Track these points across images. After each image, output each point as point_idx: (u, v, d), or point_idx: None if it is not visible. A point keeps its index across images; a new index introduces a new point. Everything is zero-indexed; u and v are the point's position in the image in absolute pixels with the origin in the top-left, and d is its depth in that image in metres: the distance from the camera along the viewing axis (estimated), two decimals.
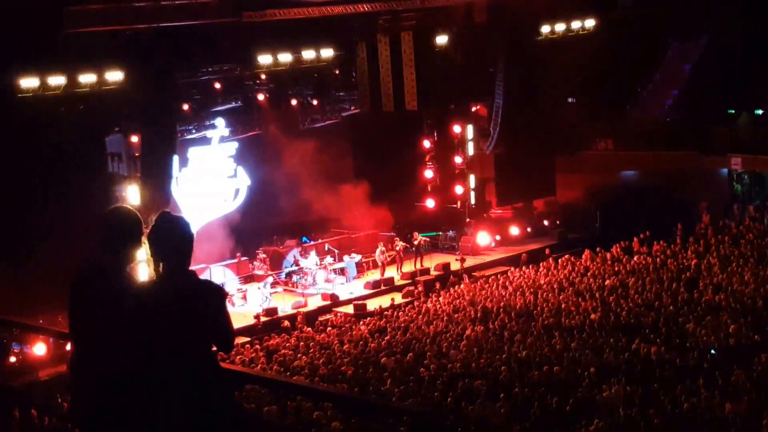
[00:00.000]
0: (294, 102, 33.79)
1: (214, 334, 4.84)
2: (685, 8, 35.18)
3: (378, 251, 31.48)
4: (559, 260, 29.93)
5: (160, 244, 4.81)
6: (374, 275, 31.31)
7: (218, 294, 4.94)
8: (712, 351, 19.10)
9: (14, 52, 24.31)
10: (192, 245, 4.91)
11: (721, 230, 30.48)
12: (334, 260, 31.76)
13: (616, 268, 27.58)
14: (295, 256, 31.64)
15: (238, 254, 31.68)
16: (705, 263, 26.42)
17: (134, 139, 28.58)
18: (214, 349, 4.93)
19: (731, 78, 33.50)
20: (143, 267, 5.01)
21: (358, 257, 31.72)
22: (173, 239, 4.83)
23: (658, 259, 27.86)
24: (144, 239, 4.93)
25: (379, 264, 31.34)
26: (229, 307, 24.90)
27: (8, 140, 24.83)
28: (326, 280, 30.56)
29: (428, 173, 35.67)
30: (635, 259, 28.39)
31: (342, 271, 31.53)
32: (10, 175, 24.78)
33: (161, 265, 4.82)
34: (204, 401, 4.72)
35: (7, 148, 24.83)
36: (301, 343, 23.37)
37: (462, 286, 29.11)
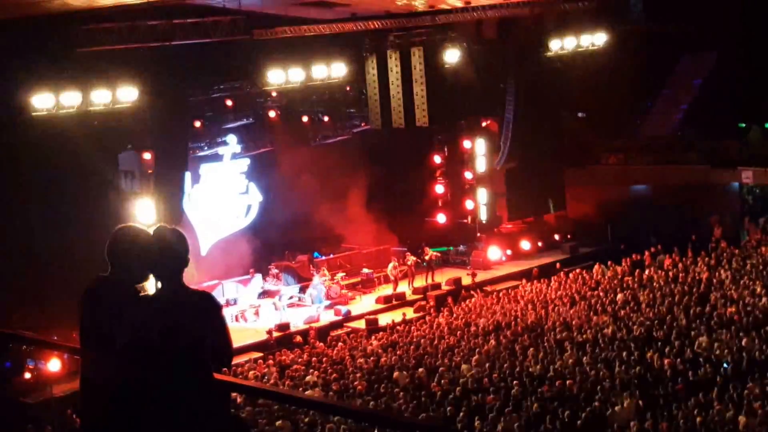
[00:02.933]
0: (305, 118, 33.95)
1: (209, 347, 4.85)
2: (695, 23, 35.20)
3: (390, 266, 31.58)
4: (570, 274, 29.92)
5: (154, 258, 4.86)
6: (386, 290, 31.37)
7: (214, 306, 4.94)
8: (725, 364, 19.06)
9: (29, 70, 24.54)
10: (186, 259, 4.91)
11: (733, 243, 30.42)
12: (346, 275, 31.87)
13: (628, 282, 27.56)
14: (312, 273, 31.63)
15: (251, 270, 31.79)
16: (717, 277, 26.37)
17: (147, 156, 28.77)
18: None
19: (741, 92, 33.48)
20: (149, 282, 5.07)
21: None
22: (165, 254, 4.86)
23: (669, 272, 27.81)
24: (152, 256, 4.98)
25: (392, 279, 31.40)
26: (242, 323, 25.01)
27: (23, 158, 25.05)
28: (338, 295, 30.63)
29: (439, 188, 35.76)
30: (646, 272, 28.36)
31: (354, 286, 31.64)
32: (25, 191, 24.97)
33: (156, 279, 4.87)
34: (197, 417, 4.75)
35: (21, 165, 25.05)
36: (314, 359, 23.42)
37: (473, 300, 29.14)
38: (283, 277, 31.69)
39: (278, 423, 16.92)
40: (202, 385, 4.76)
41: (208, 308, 4.86)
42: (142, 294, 4.93)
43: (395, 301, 30.48)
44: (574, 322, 23.76)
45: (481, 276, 32.46)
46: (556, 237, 36.33)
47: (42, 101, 25.06)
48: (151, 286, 4.93)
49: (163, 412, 4.73)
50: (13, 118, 24.91)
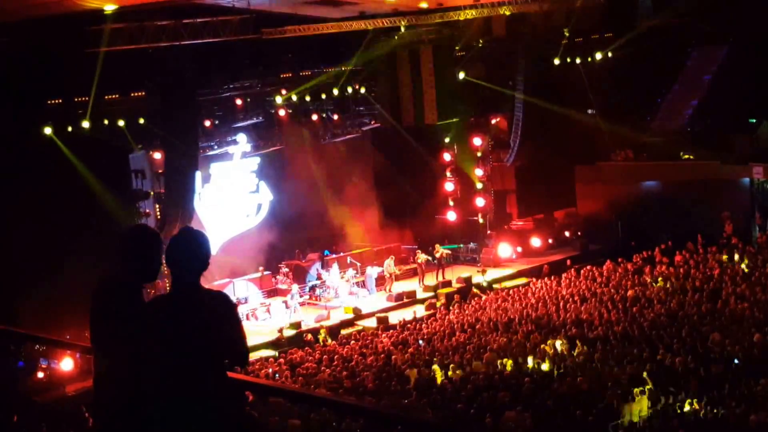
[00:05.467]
0: (315, 117, 34.00)
1: (224, 347, 4.87)
2: (705, 18, 35.08)
3: (386, 263, 31.63)
4: (581, 271, 29.87)
5: (176, 257, 4.89)
6: (395, 288, 31.37)
7: (228, 306, 4.96)
8: (736, 361, 19.00)
9: (38, 71, 24.64)
10: (207, 261, 4.94)
11: (744, 239, 30.34)
12: (357, 273, 31.89)
13: (639, 279, 27.50)
14: (318, 270, 31.81)
15: (261, 268, 31.86)
16: (728, 273, 26.30)
17: (157, 156, 28.88)
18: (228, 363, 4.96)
19: (752, 87, 33.34)
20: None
21: (378, 269, 31.77)
22: (188, 254, 4.89)
23: (680, 269, 27.75)
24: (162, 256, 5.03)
25: (386, 276, 31.41)
26: (253, 321, 25.03)
27: (34, 158, 25.16)
28: (349, 293, 30.69)
29: (449, 186, 35.75)
30: (657, 269, 28.30)
31: (364, 284, 31.73)
32: (36, 191, 25.04)
33: (174, 278, 4.90)
34: (210, 416, 4.78)
35: (32, 166, 25.15)
36: (325, 356, 23.46)
37: (484, 297, 29.13)
38: (317, 267, 31.80)
39: (290, 421, 16.94)
40: (216, 384, 4.79)
41: (223, 308, 4.90)
42: (155, 293, 4.97)
43: (406, 299, 30.50)
44: (584, 319, 23.73)
45: (492, 273, 32.45)
46: (567, 234, 36.30)
47: (52, 102, 25.15)
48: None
49: (178, 411, 4.76)
50: (23, 119, 25.02)
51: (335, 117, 34.58)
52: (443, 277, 32.02)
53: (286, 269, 32.09)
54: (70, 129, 26.28)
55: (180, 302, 4.83)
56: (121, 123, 27.88)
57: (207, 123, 30.70)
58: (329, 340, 26.26)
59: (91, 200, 25.92)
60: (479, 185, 35.15)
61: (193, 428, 4.74)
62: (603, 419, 16.33)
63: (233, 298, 28.96)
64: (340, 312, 29.44)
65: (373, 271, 31.54)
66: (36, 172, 25.21)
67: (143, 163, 29.15)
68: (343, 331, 27.42)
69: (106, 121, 27.23)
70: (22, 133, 24.94)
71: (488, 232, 35.22)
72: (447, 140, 35.38)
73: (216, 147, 31.39)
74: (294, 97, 32.63)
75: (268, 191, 33.27)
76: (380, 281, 32.09)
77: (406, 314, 28.55)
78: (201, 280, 4.93)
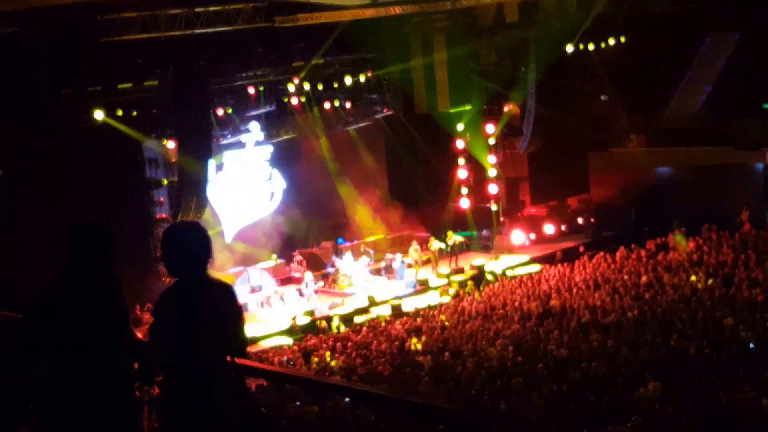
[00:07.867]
0: (327, 105, 34.00)
1: (224, 337, 4.91)
2: (719, 4, 34.88)
3: (412, 249, 31.65)
4: (594, 257, 29.87)
5: (174, 253, 4.92)
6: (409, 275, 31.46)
7: (231, 296, 4.99)
8: (751, 345, 19.00)
9: (51, 62, 24.71)
10: (201, 254, 4.94)
11: (757, 225, 30.25)
12: (371, 261, 31.96)
13: (652, 265, 27.48)
14: (332, 258, 31.92)
15: (275, 256, 31.97)
16: (742, 258, 26.24)
17: (170, 145, 28.98)
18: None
19: (765, 72, 33.16)
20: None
21: (406, 259, 31.74)
22: (186, 247, 4.92)
23: (694, 255, 27.71)
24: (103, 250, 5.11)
25: (412, 262, 31.46)
26: (267, 309, 25.09)
27: (47, 148, 25.26)
28: (365, 280, 30.79)
29: (462, 173, 35.74)
30: (670, 255, 28.27)
31: (378, 272, 31.86)
32: (49, 182, 25.17)
33: (179, 272, 4.94)
34: (214, 404, 4.84)
35: (45, 156, 25.26)
36: (338, 344, 23.56)
37: (497, 284, 29.16)
38: (339, 260, 31.84)
39: (305, 408, 17.05)
40: (218, 373, 4.85)
41: (226, 298, 4.96)
42: (169, 281, 5.03)
43: (419, 286, 30.56)
44: (598, 305, 23.75)
45: (505, 260, 32.47)
46: (580, 220, 36.26)
47: (65, 92, 25.24)
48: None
49: (180, 402, 4.83)
50: (36, 110, 25.11)
51: (348, 105, 34.57)
52: (456, 265, 32.07)
53: (300, 257, 32.19)
54: (83, 119, 26.37)
55: (182, 295, 4.88)
56: (134, 112, 27.96)
57: (220, 112, 30.75)
58: (343, 328, 26.40)
59: (103, 189, 26.00)
60: (492, 172, 35.12)
61: (196, 417, 4.80)
62: (616, 404, 16.38)
63: (248, 287, 29.18)
64: (354, 299, 29.54)
65: (401, 259, 31.43)
66: (48, 162, 25.31)
67: (156, 152, 29.28)
68: (357, 319, 27.51)
69: (119, 112, 27.31)
70: (33, 123, 25.01)
71: (501, 219, 35.22)
72: (460, 128, 35.27)
73: (229, 135, 31.45)
74: (306, 86, 32.65)
75: (281, 179, 33.33)
76: (393, 270, 32.15)
77: (420, 302, 28.62)
78: (214, 268, 4.98)
